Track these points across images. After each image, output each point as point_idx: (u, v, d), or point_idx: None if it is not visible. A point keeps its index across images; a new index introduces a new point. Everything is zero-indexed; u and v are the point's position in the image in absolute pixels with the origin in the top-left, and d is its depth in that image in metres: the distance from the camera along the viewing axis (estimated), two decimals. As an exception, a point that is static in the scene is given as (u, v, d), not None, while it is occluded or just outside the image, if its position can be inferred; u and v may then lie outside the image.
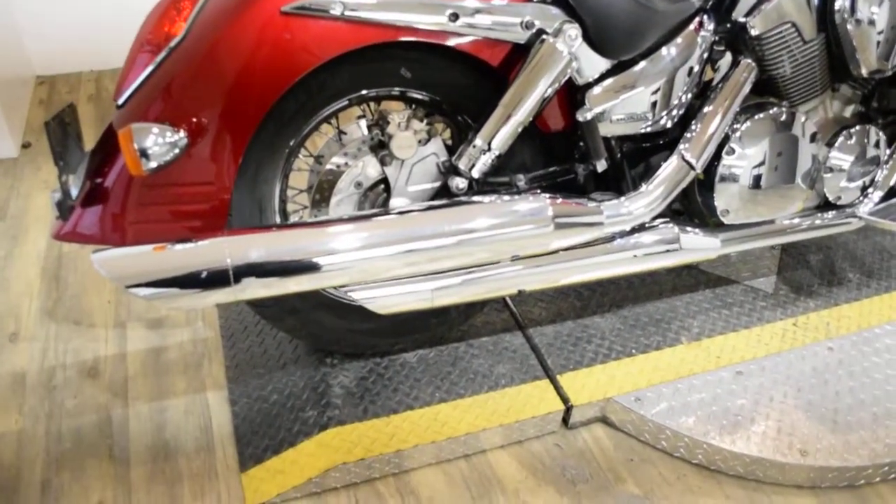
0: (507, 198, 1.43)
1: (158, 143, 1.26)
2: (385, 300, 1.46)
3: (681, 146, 1.59)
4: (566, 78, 1.46)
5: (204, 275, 1.30)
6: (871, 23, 1.64)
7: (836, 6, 1.62)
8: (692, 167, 1.58)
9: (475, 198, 1.45)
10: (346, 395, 1.68)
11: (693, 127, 1.60)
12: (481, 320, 1.89)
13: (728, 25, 1.65)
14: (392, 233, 1.38)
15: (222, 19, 1.32)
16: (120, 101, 1.34)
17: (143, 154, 1.25)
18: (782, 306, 2.02)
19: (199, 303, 1.33)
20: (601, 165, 1.56)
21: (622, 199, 1.55)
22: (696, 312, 1.96)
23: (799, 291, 2.07)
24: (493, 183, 1.55)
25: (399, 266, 1.39)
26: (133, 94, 1.33)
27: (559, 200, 1.47)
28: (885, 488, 1.68)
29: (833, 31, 1.66)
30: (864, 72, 1.71)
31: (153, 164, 1.26)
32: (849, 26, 1.63)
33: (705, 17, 1.62)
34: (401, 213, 1.41)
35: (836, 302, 2.05)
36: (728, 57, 1.68)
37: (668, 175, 1.58)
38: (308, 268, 1.35)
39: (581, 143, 1.57)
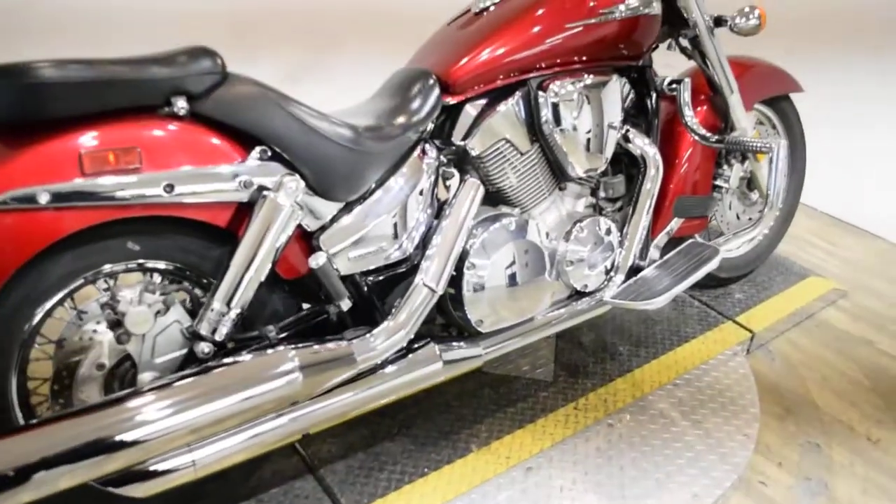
0: (250, 357, 1.43)
1: None
2: (142, 483, 1.39)
3: (420, 271, 1.66)
4: (294, 228, 1.50)
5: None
6: (576, 129, 1.81)
7: (542, 119, 1.78)
8: (433, 290, 1.65)
9: (224, 361, 1.44)
10: (125, 589, 1.57)
11: (430, 250, 1.68)
12: (270, 469, 1.83)
13: (453, 148, 1.77)
14: (138, 414, 1.33)
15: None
16: None
17: None
18: (563, 392, 2.11)
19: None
20: (345, 305, 1.59)
21: (371, 334, 1.59)
22: (482, 416, 2.01)
23: (576, 374, 2.19)
24: (243, 339, 1.54)
25: (152, 447, 1.34)
26: None
27: (305, 349, 1.48)
28: (678, 551, 1.77)
29: (544, 140, 1.82)
30: (580, 172, 1.88)
31: None
32: (556, 136, 1.80)
33: (426, 145, 1.72)
34: (143, 391, 1.36)
35: (610, 377, 2.18)
36: (458, 177, 1.80)
37: (412, 302, 1.63)
38: (53, 465, 1.27)
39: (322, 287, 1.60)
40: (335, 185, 1.54)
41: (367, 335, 1.59)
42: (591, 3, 1.80)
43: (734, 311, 2.52)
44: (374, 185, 1.63)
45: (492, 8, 1.83)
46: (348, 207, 1.60)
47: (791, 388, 2.27)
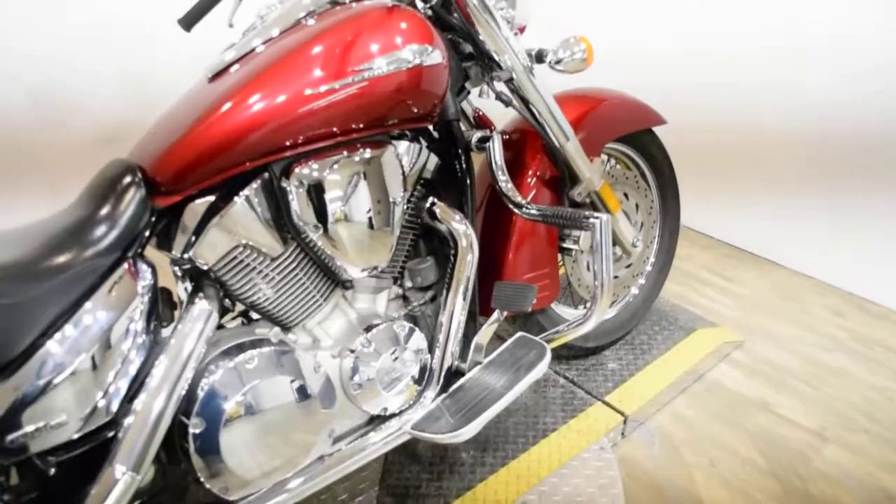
0: None
1: None
2: None
3: (113, 452, 1.22)
4: None
5: None
6: (343, 218, 1.40)
7: (292, 213, 1.37)
8: (133, 473, 1.22)
9: None
10: None
11: (130, 414, 1.24)
12: None
13: (181, 260, 1.36)
14: None
15: None
16: None
17: None
18: (384, 529, 1.72)
19: None
20: None
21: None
22: (277, 578, 1.60)
23: (404, 499, 1.78)
24: None
25: None
26: None
27: None
28: None
29: (300, 239, 1.41)
30: (356, 273, 1.48)
31: None
32: (312, 233, 1.39)
33: (139, 261, 1.30)
34: None
35: (446, 500, 1.78)
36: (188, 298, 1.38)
37: (105, 490, 1.19)
38: None
39: None
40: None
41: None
42: (342, 62, 1.38)
43: (605, 388, 2.14)
44: (45, 334, 1.19)
45: (228, 72, 1.41)
46: (7, 371, 1.16)
47: (672, 481, 1.90)
